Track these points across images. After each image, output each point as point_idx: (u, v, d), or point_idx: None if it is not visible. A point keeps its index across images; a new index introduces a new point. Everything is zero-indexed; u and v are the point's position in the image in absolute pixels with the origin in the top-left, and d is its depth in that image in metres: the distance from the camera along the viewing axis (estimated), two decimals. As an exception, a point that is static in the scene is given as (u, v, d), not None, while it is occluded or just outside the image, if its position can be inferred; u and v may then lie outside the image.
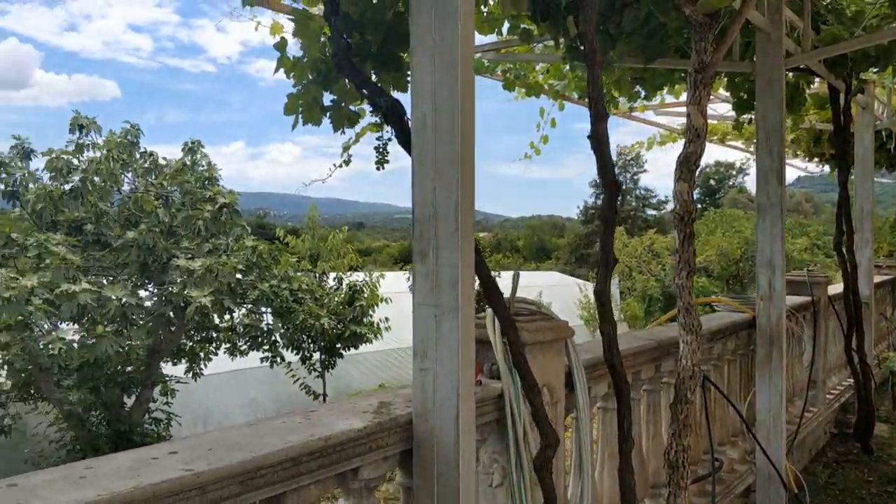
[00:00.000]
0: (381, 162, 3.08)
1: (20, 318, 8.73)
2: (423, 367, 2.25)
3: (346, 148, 4.66)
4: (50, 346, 9.18)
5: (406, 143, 2.38)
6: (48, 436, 11.11)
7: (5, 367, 9.52)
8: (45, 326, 9.80)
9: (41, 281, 8.74)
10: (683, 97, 6.84)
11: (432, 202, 2.19)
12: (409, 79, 2.90)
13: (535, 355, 2.63)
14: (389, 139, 3.07)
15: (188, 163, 11.98)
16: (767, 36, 4.52)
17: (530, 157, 7.01)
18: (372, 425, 2.19)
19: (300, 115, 2.83)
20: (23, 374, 9.92)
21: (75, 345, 9.63)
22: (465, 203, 2.15)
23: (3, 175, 10.88)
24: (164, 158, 12.14)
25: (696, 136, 3.45)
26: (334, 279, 15.53)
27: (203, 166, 12.05)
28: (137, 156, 11.80)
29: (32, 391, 10.73)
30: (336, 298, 14.63)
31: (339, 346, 14.37)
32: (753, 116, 5.00)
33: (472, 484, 2.22)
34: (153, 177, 11.83)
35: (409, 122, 2.32)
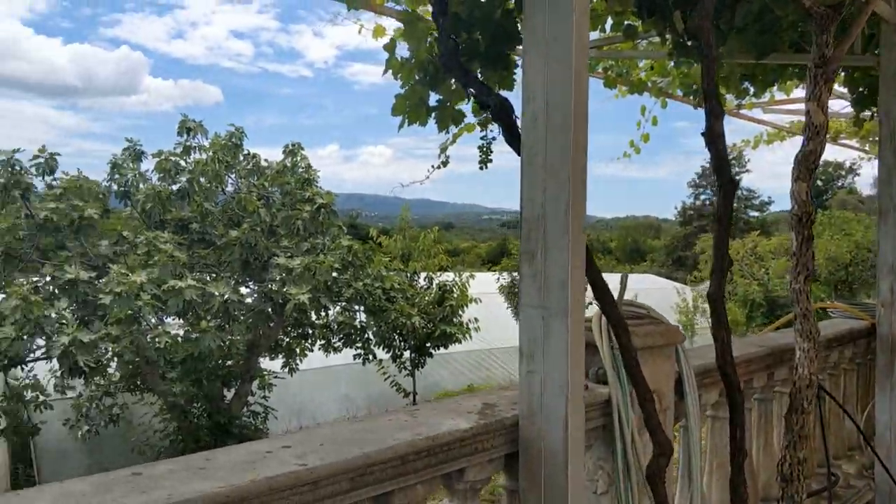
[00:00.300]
0: (485, 161, 3.07)
1: (130, 312, 9.17)
2: (531, 370, 2.22)
3: (443, 149, 4.68)
4: (156, 339, 9.61)
5: (514, 141, 2.36)
6: (153, 426, 11.66)
7: (115, 359, 9.98)
8: (152, 321, 10.28)
9: (150, 277, 9.16)
10: (795, 93, 6.54)
11: (542, 202, 2.16)
12: (515, 77, 2.89)
13: (645, 360, 2.56)
14: (494, 138, 3.06)
15: (288, 164, 12.35)
16: (894, 27, 4.26)
17: (630, 156, 6.85)
18: (478, 426, 2.18)
19: (406, 116, 2.86)
20: (130, 366, 10.46)
21: (180, 339, 10.04)
22: (576, 203, 2.11)
23: (117, 176, 11.48)
24: (266, 160, 12.57)
25: (815, 133, 3.27)
26: (425, 279, 15.70)
27: (302, 168, 12.40)
28: (241, 158, 12.25)
29: (139, 382, 11.32)
30: (426, 298, 14.78)
31: (428, 345, 14.53)
32: (874, 112, 4.71)
33: (582, 489, 2.18)
34: (255, 178, 12.25)
35: (518, 121, 2.30)
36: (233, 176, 12.19)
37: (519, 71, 2.96)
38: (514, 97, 2.60)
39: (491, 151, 3.06)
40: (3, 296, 9.57)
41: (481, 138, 3.07)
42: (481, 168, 3.08)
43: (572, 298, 2.10)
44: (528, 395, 2.23)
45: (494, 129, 3.12)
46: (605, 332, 2.53)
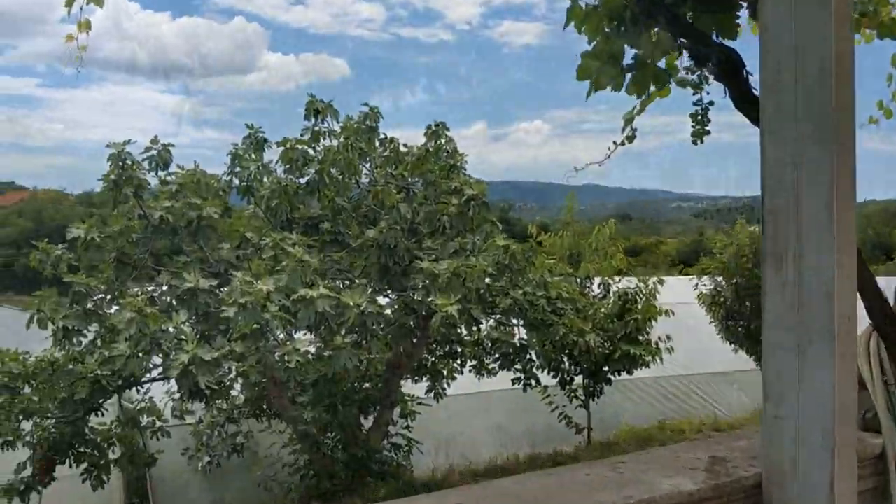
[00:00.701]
0: (701, 134, 2.85)
1: (256, 326, 9.44)
2: (779, 415, 2.00)
3: (628, 120, 4.47)
4: (286, 357, 9.83)
5: (748, 104, 2.16)
6: (281, 458, 12.04)
7: (239, 379, 10.29)
8: (281, 336, 10.57)
9: (277, 285, 9.36)
10: None
11: (793, 185, 1.93)
12: (739, 22, 2.67)
13: (935, 401, 2.26)
14: (711, 103, 2.84)
15: (431, 149, 12.33)
16: None
17: (877, 122, 6.36)
18: (707, 487, 2.00)
19: (594, 80, 2.70)
20: (256, 388, 10.82)
21: (311, 357, 10.23)
22: (842, 185, 1.87)
23: (238, 168, 11.83)
24: (405, 145, 12.61)
25: None
26: (599, 285, 15.36)
27: (447, 153, 12.34)
28: (377, 143, 12.31)
29: (265, 407, 11.73)
30: (603, 310, 14.46)
31: (606, 368, 14.19)
32: None
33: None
34: (394, 167, 12.30)
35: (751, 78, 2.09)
36: (367, 165, 12.29)
37: (744, 14, 2.73)
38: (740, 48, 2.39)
39: (708, 120, 2.84)
40: (116, 307, 10.15)
41: (694, 104, 2.86)
42: (695, 142, 2.86)
43: (840, 317, 1.86)
44: (775, 447, 2.01)
45: (713, 91, 2.90)
46: (875, 361, 2.26)
